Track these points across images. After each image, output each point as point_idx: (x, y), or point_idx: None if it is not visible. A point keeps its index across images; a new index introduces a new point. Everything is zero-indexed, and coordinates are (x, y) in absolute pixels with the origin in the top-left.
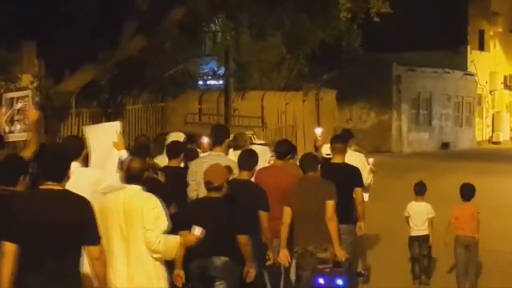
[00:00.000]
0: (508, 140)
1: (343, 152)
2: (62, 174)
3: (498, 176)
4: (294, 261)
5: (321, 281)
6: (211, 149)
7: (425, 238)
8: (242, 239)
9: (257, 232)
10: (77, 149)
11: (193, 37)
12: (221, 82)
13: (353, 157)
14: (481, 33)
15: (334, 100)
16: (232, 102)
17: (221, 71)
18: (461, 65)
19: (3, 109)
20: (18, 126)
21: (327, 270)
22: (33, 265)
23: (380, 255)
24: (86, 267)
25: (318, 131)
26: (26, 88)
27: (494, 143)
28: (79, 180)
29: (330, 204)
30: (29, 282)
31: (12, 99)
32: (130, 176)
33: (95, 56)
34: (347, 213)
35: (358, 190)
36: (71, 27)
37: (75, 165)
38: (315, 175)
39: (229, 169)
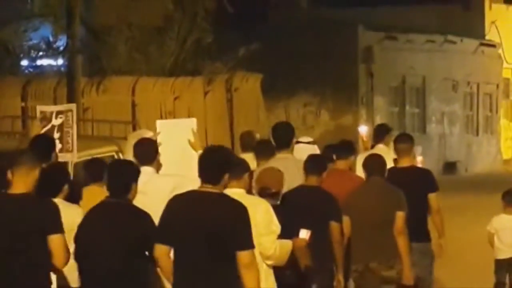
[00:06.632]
0: None
1: (409, 153)
2: (218, 178)
3: None
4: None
5: None
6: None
7: None
8: (300, 241)
9: (326, 247)
10: (150, 153)
11: None
12: (61, 61)
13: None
14: None
15: (258, 92)
16: (82, 96)
17: (62, 42)
18: (475, 29)
19: (38, 122)
20: (59, 146)
21: None
22: (189, 268)
23: None
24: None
25: (364, 129)
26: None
27: None
28: (156, 190)
29: (401, 216)
30: (186, 285)
31: (51, 113)
32: (237, 171)
33: None
34: (420, 228)
35: (432, 196)
36: None
37: (149, 171)
38: (381, 180)
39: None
